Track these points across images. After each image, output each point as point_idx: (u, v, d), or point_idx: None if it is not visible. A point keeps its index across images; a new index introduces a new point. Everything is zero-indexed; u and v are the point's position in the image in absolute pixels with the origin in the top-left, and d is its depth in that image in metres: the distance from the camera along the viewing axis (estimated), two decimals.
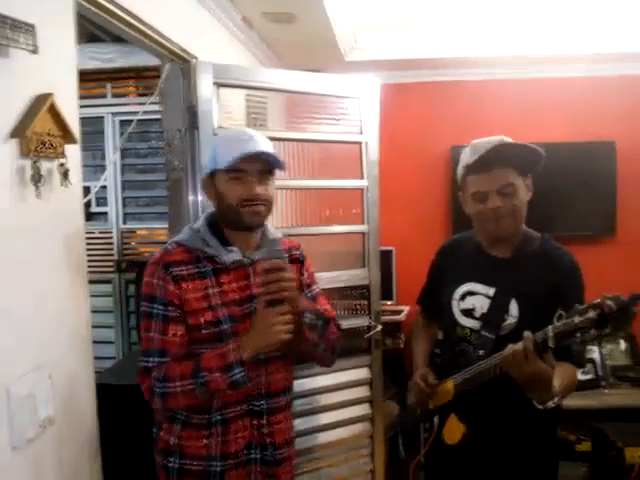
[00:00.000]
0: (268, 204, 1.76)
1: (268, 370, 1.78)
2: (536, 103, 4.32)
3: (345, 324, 3.14)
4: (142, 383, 1.68)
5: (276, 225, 2.88)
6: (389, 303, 4.20)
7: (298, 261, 1.94)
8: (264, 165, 1.74)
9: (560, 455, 3.77)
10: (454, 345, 1.96)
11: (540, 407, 1.65)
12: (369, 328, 3.16)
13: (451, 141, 4.20)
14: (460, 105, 4.39)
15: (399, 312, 4.11)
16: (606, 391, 3.97)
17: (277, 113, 3.10)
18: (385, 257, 3.70)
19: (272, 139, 2.85)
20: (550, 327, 1.54)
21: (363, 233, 3.17)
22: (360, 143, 3.13)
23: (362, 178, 3.13)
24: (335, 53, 3.92)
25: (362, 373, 3.16)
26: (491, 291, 1.89)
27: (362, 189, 3.14)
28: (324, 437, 3.00)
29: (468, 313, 1.94)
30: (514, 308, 1.82)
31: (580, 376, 3.93)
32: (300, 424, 2.91)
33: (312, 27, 3.40)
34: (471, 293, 1.94)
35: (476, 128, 4.07)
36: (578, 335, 1.47)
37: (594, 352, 4.11)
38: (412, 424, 2.12)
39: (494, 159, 1.82)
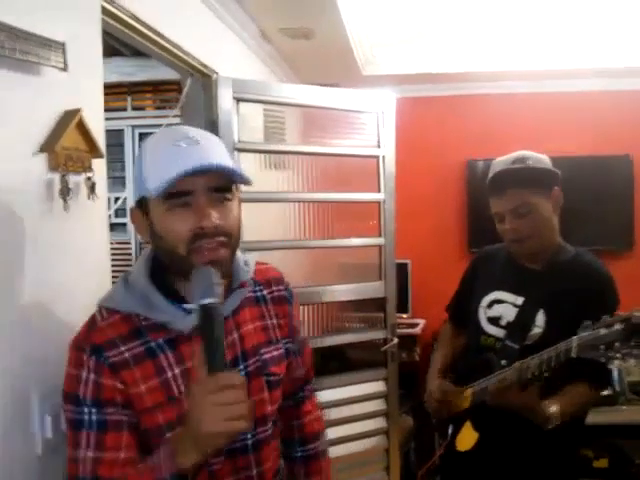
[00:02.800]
0: (231, 236, 1.21)
1: (259, 457, 1.31)
2: (552, 117, 4.34)
3: (361, 337, 3.16)
4: None
5: (293, 237, 2.91)
6: (405, 316, 4.21)
7: (285, 300, 1.43)
8: (219, 180, 1.18)
9: (578, 472, 3.78)
10: (478, 353, 1.95)
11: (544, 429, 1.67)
12: (385, 341, 3.17)
13: (467, 155, 4.22)
14: (476, 119, 4.41)
15: (415, 325, 4.11)
16: (624, 407, 3.94)
17: (295, 127, 3.14)
18: (401, 270, 3.71)
19: (290, 153, 2.95)
20: (574, 337, 1.54)
21: (380, 246, 3.18)
22: (377, 157, 3.15)
23: (379, 191, 3.15)
24: (352, 67, 3.95)
25: (378, 386, 3.16)
26: (519, 300, 1.88)
27: (379, 202, 3.16)
28: (339, 450, 3.00)
29: (494, 321, 1.93)
30: (541, 318, 1.80)
31: None
32: None
33: (329, 42, 3.43)
34: (499, 301, 1.94)
35: (492, 142, 4.11)
36: (602, 347, 1.46)
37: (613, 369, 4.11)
38: (431, 431, 2.12)
39: (506, 181, 1.84)
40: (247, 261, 1.35)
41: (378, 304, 3.20)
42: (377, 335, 3.19)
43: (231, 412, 1.00)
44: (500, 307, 1.93)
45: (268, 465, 1.32)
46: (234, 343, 1.27)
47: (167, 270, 1.23)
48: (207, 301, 1.06)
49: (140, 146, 3.03)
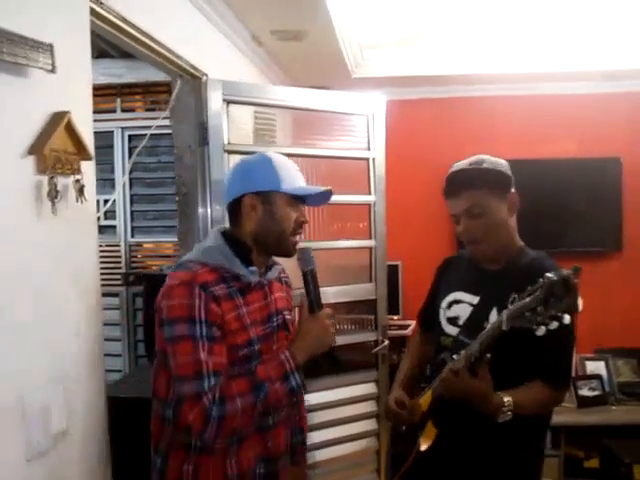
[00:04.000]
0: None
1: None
2: (542, 120, 4.35)
3: (352, 339, 3.16)
4: (190, 410, 1.51)
5: None
6: (395, 318, 4.20)
7: (289, 284, 1.93)
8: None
9: (568, 472, 3.79)
10: (438, 354, 1.97)
11: (496, 421, 1.67)
12: (376, 343, 3.17)
13: (457, 157, 4.07)
14: (466, 121, 4.41)
15: (406, 327, 4.11)
16: (613, 407, 3.97)
17: (285, 129, 3.13)
18: (392, 272, 3.72)
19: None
20: (504, 311, 1.57)
21: (370, 248, 3.19)
22: (367, 159, 3.16)
23: (369, 193, 3.16)
24: (342, 70, 3.95)
25: (369, 388, 3.17)
26: (475, 299, 1.91)
27: (369, 204, 3.16)
28: (330, 452, 3.00)
29: (452, 321, 1.95)
30: (494, 316, 1.80)
31: (587, 392, 3.97)
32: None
33: (320, 44, 3.43)
34: (457, 302, 1.96)
35: (482, 144, 4.09)
36: (528, 315, 1.49)
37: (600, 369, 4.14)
38: (404, 441, 2.11)
39: (460, 182, 1.85)
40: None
41: (369, 306, 3.20)
42: (368, 337, 3.19)
43: (333, 330, 1.70)
44: (458, 307, 1.95)
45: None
46: (271, 302, 1.75)
47: (254, 241, 1.72)
48: (311, 267, 1.71)
49: (130, 148, 3.12)
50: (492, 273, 1.92)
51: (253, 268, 1.68)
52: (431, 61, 4.06)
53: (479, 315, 1.85)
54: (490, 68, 4.05)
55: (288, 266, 1.88)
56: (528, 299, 1.50)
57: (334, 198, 3.04)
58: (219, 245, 1.68)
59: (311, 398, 2.95)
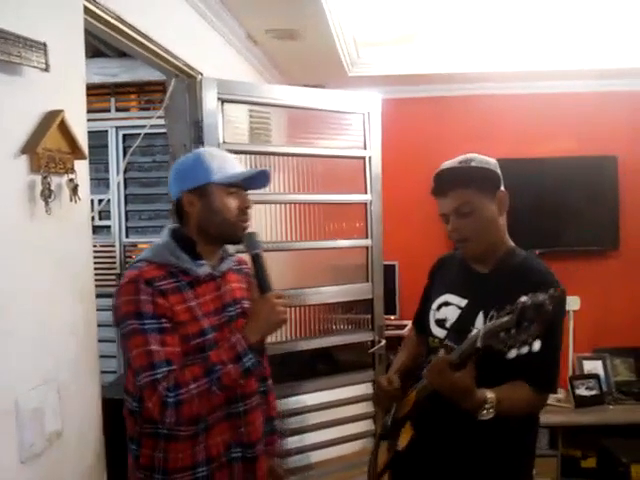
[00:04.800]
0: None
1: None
2: (539, 118, 4.34)
3: (348, 339, 3.15)
4: (149, 399, 1.60)
5: (280, 239, 2.90)
6: (392, 318, 4.19)
7: (248, 275, 1.95)
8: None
9: (565, 472, 3.78)
10: (426, 355, 1.97)
11: (478, 419, 1.64)
12: (373, 343, 3.16)
13: (454, 156, 4.16)
14: (464, 120, 4.40)
15: (402, 327, 4.09)
16: (611, 407, 3.96)
17: (280, 128, 3.12)
18: (388, 271, 3.70)
19: (275, 154, 2.93)
20: (482, 327, 1.56)
21: (367, 247, 3.17)
22: (364, 158, 3.14)
23: (366, 193, 3.14)
24: (338, 68, 3.94)
25: (365, 388, 3.15)
26: (463, 302, 1.89)
27: (366, 203, 3.15)
28: (326, 453, 3.00)
29: (440, 323, 1.94)
30: (480, 320, 1.79)
31: (584, 392, 3.97)
32: (303, 440, 2.91)
33: (315, 43, 3.42)
34: (446, 304, 1.95)
35: (480, 143, 4.07)
36: (502, 335, 1.47)
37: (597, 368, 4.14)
38: (387, 437, 2.09)
39: (449, 181, 1.84)
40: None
41: (365, 306, 3.19)
42: (365, 337, 3.18)
43: (284, 310, 1.72)
44: (446, 309, 1.94)
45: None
46: (227, 291, 1.82)
47: (199, 234, 1.78)
48: (257, 251, 1.76)
49: (125, 147, 3.16)
50: (480, 276, 1.91)
51: (202, 262, 1.75)
52: (428, 59, 4.04)
53: (466, 319, 1.84)
54: (487, 66, 4.04)
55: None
56: (505, 318, 1.48)
57: (330, 197, 3.10)
58: (167, 243, 1.75)
59: (307, 399, 2.94)
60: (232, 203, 1.77)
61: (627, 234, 4.28)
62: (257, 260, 1.76)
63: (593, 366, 4.17)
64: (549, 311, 1.41)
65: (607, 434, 3.83)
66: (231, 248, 1.91)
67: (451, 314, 1.91)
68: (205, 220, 1.77)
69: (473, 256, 1.91)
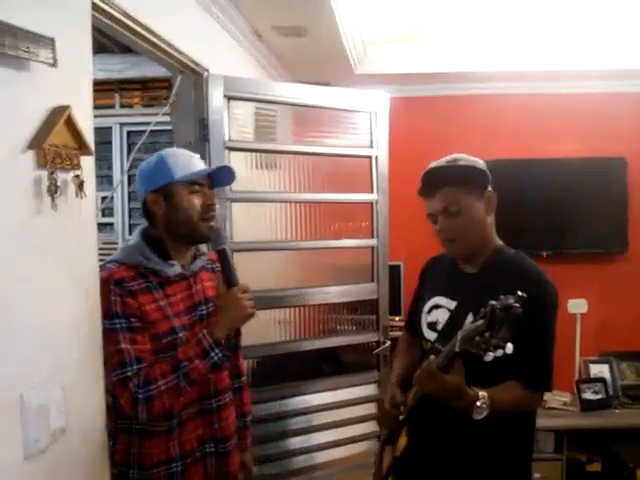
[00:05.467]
0: (217, 217, 1.91)
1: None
2: (547, 118, 4.31)
3: (353, 339, 3.13)
4: (121, 395, 1.69)
5: (285, 238, 2.88)
6: (397, 319, 4.16)
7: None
8: (210, 182, 1.89)
9: (570, 476, 3.76)
10: (420, 359, 1.95)
11: (472, 417, 1.64)
12: (378, 344, 3.14)
13: None
14: (471, 120, 4.37)
15: None
16: (617, 411, 3.94)
17: (286, 126, 3.10)
18: (394, 272, 3.68)
19: (281, 152, 2.91)
20: (459, 331, 1.56)
21: (372, 247, 3.15)
22: (370, 157, 3.12)
23: (372, 192, 3.12)
24: (345, 66, 3.91)
25: (370, 390, 3.13)
26: (452, 304, 1.89)
27: (372, 203, 3.13)
28: (330, 454, 2.98)
29: (432, 326, 1.94)
30: (469, 322, 1.75)
31: (590, 395, 3.95)
32: (307, 441, 2.89)
33: (322, 40, 3.39)
34: (437, 307, 1.95)
35: (486, 143, 4.08)
36: (477, 339, 1.47)
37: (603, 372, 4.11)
38: (390, 441, 2.08)
39: (434, 182, 1.85)
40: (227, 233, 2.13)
41: (370, 306, 3.17)
42: (369, 338, 3.16)
43: (250, 303, 1.76)
44: (437, 312, 1.94)
45: (222, 375, 1.92)
46: (199, 290, 1.88)
47: (167, 234, 1.84)
48: (222, 247, 1.79)
49: (129, 144, 3.18)
50: (469, 276, 1.91)
51: (172, 262, 1.81)
52: (435, 58, 4.02)
53: (456, 321, 1.82)
54: (494, 66, 4.01)
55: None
56: (479, 322, 1.48)
57: (336, 197, 3.07)
58: (137, 243, 1.82)
59: (312, 399, 2.93)
60: (196, 201, 1.81)
61: (636, 237, 4.25)
62: (223, 255, 1.79)
63: (599, 370, 4.15)
64: (519, 313, 1.42)
65: (613, 438, 3.81)
66: (204, 247, 1.97)
67: (442, 317, 1.92)
68: (170, 219, 1.83)
69: (461, 256, 1.91)
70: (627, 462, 3.56)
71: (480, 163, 1.89)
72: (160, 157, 1.86)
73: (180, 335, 1.77)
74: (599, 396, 3.97)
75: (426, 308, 1.99)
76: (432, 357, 1.66)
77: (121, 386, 1.68)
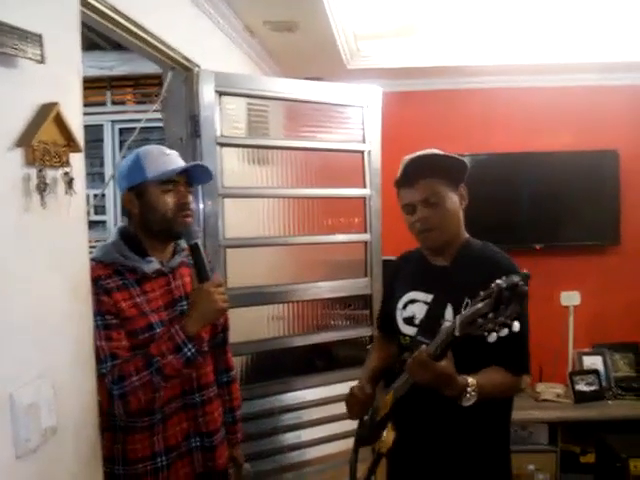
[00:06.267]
0: (194, 214, 1.91)
1: (199, 365, 1.88)
2: (539, 112, 4.31)
3: (346, 335, 3.13)
4: (99, 392, 1.72)
5: (277, 234, 2.88)
6: None
7: None
8: (187, 179, 1.89)
9: (564, 467, 3.79)
10: (398, 354, 1.99)
11: (462, 404, 1.66)
12: (371, 339, 3.14)
13: (454, 150, 4.09)
14: (463, 114, 4.37)
15: None
16: (610, 402, 3.96)
17: (279, 121, 3.09)
18: (387, 267, 3.67)
19: (273, 147, 2.90)
20: (457, 316, 1.57)
21: (365, 242, 3.15)
22: (363, 152, 3.12)
23: (365, 187, 3.12)
24: (337, 61, 3.90)
25: None
26: (429, 298, 1.92)
27: (364, 198, 3.13)
28: (323, 449, 2.98)
29: (409, 321, 1.97)
30: (450, 313, 1.83)
31: (584, 387, 3.96)
32: (299, 436, 2.89)
33: (314, 35, 3.38)
34: (412, 301, 1.98)
35: (479, 137, 4.09)
36: (480, 321, 1.48)
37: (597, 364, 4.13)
38: (369, 440, 2.10)
39: (417, 172, 1.88)
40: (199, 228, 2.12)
41: (364, 301, 3.17)
42: (362, 333, 3.16)
43: (222, 297, 1.76)
44: (413, 307, 1.97)
45: (205, 370, 1.94)
46: (179, 286, 1.89)
47: (143, 232, 1.86)
48: (195, 241, 1.80)
49: (121, 142, 3.19)
50: (441, 269, 1.95)
51: (150, 258, 1.83)
52: (427, 53, 4.01)
53: (435, 313, 1.87)
54: (487, 60, 4.01)
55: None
56: (480, 305, 1.50)
57: (328, 192, 3.07)
58: (115, 241, 1.85)
59: (304, 395, 2.93)
60: (168, 200, 1.82)
61: (628, 229, 4.26)
62: (195, 250, 1.80)
63: (593, 361, 4.16)
64: (525, 291, 1.44)
65: (606, 429, 3.83)
66: (184, 243, 1.95)
67: (418, 310, 1.95)
68: (145, 218, 1.85)
69: (435, 246, 1.95)
70: (620, 453, 3.57)
71: (460, 158, 1.93)
72: (135, 156, 1.87)
73: (158, 331, 1.78)
74: (592, 388, 3.98)
75: (400, 304, 2.01)
76: (423, 347, 1.67)
77: (99, 382, 1.71)
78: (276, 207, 2.91)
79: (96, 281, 1.75)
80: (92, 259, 1.79)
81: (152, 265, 1.83)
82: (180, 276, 1.92)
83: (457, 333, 1.56)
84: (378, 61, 4.11)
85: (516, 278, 1.44)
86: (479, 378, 1.69)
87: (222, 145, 2.68)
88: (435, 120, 4.40)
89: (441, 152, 1.93)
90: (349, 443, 3.02)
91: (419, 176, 1.87)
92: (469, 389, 1.65)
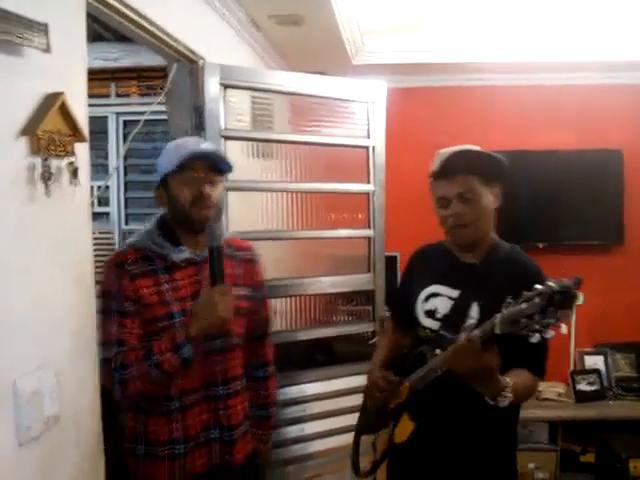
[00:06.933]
0: (215, 205, 1.87)
1: (224, 358, 1.90)
2: (543, 110, 4.30)
3: (348, 330, 3.13)
4: (104, 375, 1.78)
5: (280, 228, 2.87)
6: None
7: (251, 261, 2.06)
8: (211, 166, 1.85)
9: (564, 466, 3.79)
10: (414, 346, 1.98)
11: (492, 403, 1.64)
12: (373, 334, 3.14)
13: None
14: (467, 111, 4.37)
15: None
16: (611, 402, 3.96)
17: (283, 115, 3.08)
18: (390, 263, 3.67)
19: (278, 141, 2.90)
20: (498, 314, 1.56)
21: (369, 238, 3.14)
22: (367, 147, 3.11)
23: (368, 182, 3.11)
24: (342, 56, 3.90)
25: (365, 380, 3.12)
26: (455, 293, 1.91)
27: (368, 193, 3.12)
28: (325, 444, 2.98)
29: (430, 314, 1.95)
30: (475, 311, 1.80)
31: (585, 387, 3.96)
32: (301, 430, 2.89)
33: (319, 29, 3.38)
34: (435, 295, 1.96)
35: (484, 134, 4.07)
36: (523, 322, 1.48)
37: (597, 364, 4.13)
38: (373, 429, 2.10)
39: (456, 166, 1.86)
40: (223, 230, 2.04)
41: (366, 297, 3.17)
42: (365, 328, 3.16)
43: (225, 306, 1.71)
44: (436, 300, 1.95)
45: (231, 364, 1.92)
46: (207, 277, 1.81)
47: (173, 222, 1.87)
48: (215, 244, 1.75)
49: (125, 134, 3.18)
50: (470, 266, 1.93)
51: (182, 247, 1.84)
52: (433, 49, 4.00)
53: (460, 309, 1.85)
54: (492, 57, 4.00)
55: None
56: (524, 305, 1.49)
57: (332, 187, 3.06)
58: (149, 229, 1.88)
59: (306, 389, 2.92)
60: (185, 192, 1.81)
61: (631, 229, 4.25)
62: (212, 253, 1.76)
63: (594, 361, 4.16)
64: (576, 295, 1.43)
65: (607, 429, 3.83)
66: (226, 232, 2.01)
67: (442, 305, 1.93)
68: (170, 211, 1.88)
69: (465, 243, 1.93)
70: (620, 453, 3.57)
71: (500, 158, 1.91)
72: (164, 150, 1.90)
73: (177, 320, 1.78)
74: (594, 387, 3.98)
75: (422, 296, 1.99)
76: (463, 336, 1.63)
77: (105, 365, 1.76)
78: (279, 201, 2.90)
79: (121, 265, 1.78)
80: (127, 244, 1.86)
81: (182, 254, 1.83)
82: None
83: (498, 331, 1.55)
84: (384, 57, 4.10)
85: (567, 282, 1.43)
86: (514, 380, 1.68)
87: (226, 138, 2.67)
88: (440, 116, 4.40)
89: (481, 149, 1.92)
90: (349, 437, 3.04)
91: (457, 170, 1.85)
92: (508, 389, 1.64)
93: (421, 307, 1.99)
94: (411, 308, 2.01)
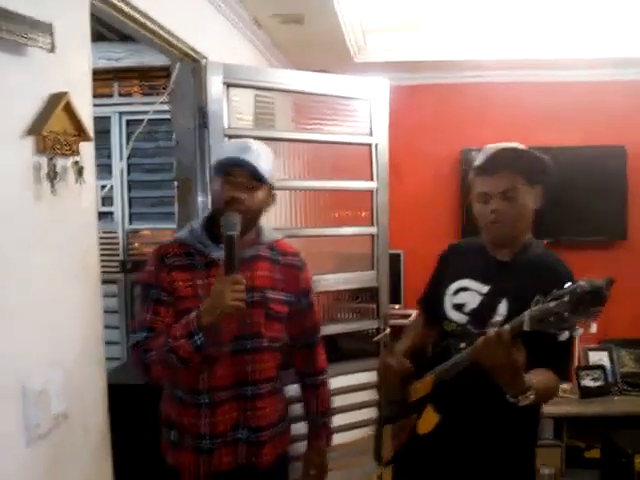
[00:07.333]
0: (249, 210, 1.82)
1: (254, 358, 1.88)
2: (548, 107, 4.30)
3: (353, 327, 3.13)
4: (133, 358, 1.81)
5: (284, 226, 2.88)
6: (397, 307, 4.17)
7: (294, 267, 2.02)
8: (251, 174, 1.82)
9: (569, 462, 3.78)
10: (440, 339, 1.98)
11: (513, 401, 1.62)
12: (377, 331, 3.14)
13: (461, 144, 4.17)
14: (470, 108, 4.37)
15: (407, 316, 4.06)
16: (615, 398, 3.96)
17: (286, 113, 3.09)
18: (393, 260, 3.68)
19: (281, 139, 2.90)
20: (526, 312, 1.55)
21: (372, 235, 3.15)
22: (370, 145, 3.11)
23: (372, 180, 3.11)
24: (344, 54, 3.90)
25: (370, 376, 3.13)
26: (485, 289, 1.91)
27: (372, 191, 3.12)
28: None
29: (458, 308, 1.95)
30: (503, 307, 1.82)
31: (589, 382, 3.96)
32: (306, 427, 2.89)
33: (321, 28, 3.38)
34: (465, 289, 1.96)
35: (486, 131, 4.06)
36: (552, 320, 1.47)
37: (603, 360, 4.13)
38: (396, 419, 2.10)
39: (501, 163, 1.84)
40: (269, 234, 1.99)
41: (371, 294, 3.17)
42: (369, 325, 3.16)
43: (238, 295, 1.69)
44: (465, 294, 1.95)
45: (262, 366, 1.90)
46: (246, 277, 1.78)
47: (215, 223, 1.84)
48: (230, 233, 1.71)
49: (128, 133, 3.56)
50: (502, 263, 1.93)
51: (222, 245, 1.79)
52: (435, 46, 4.01)
53: (488, 306, 1.86)
54: (495, 54, 4.00)
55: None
56: (553, 303, 1.48)
57: (335, 184, 3.07)
58: (194, 225, 1.91)
59: None
60: (219, 194, 1.84)
61: (635, 225, 4.25)
62: (227, 242, 1.74)
63: (599, 357, 4.17)
64: (607, 295, 1.42)
65: (612, 425, 3.82)
66: (274, 234, 1.99)
67: (471, 299, 1.93)
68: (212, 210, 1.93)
69: (501, 240, 1.92)
70: (625, 448, 3.57)
71: (545, 159, 1.90)
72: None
73: None
74: (598, 383, 3.98)
75: (451, 290, 1.99)
76: (491, 330, 1.62)
77: (133, 349, 1.79)
78: (283, 199, 2.90)
79: (162, 257, 1.84)
80: (174, 238, 1.92)
81: (221, 252, 1.79)
82: (251, 268, 1.88)
83: (526, 328, 1.54)
84: (385, 55, 4.10)
85: (599, 282, 1.43)
86: (537, 379, 1.66)
87: (230, 137, 2.67)
88: (443, 114, 4.40)
89: (526, 148, 1.90)
90: (355, 434, 3.06)
91: (501, 167, 1.84)
92: (531, 389, 1.62)
93: (449, 300, 1.98)
94: (439, 300, 2.01)
